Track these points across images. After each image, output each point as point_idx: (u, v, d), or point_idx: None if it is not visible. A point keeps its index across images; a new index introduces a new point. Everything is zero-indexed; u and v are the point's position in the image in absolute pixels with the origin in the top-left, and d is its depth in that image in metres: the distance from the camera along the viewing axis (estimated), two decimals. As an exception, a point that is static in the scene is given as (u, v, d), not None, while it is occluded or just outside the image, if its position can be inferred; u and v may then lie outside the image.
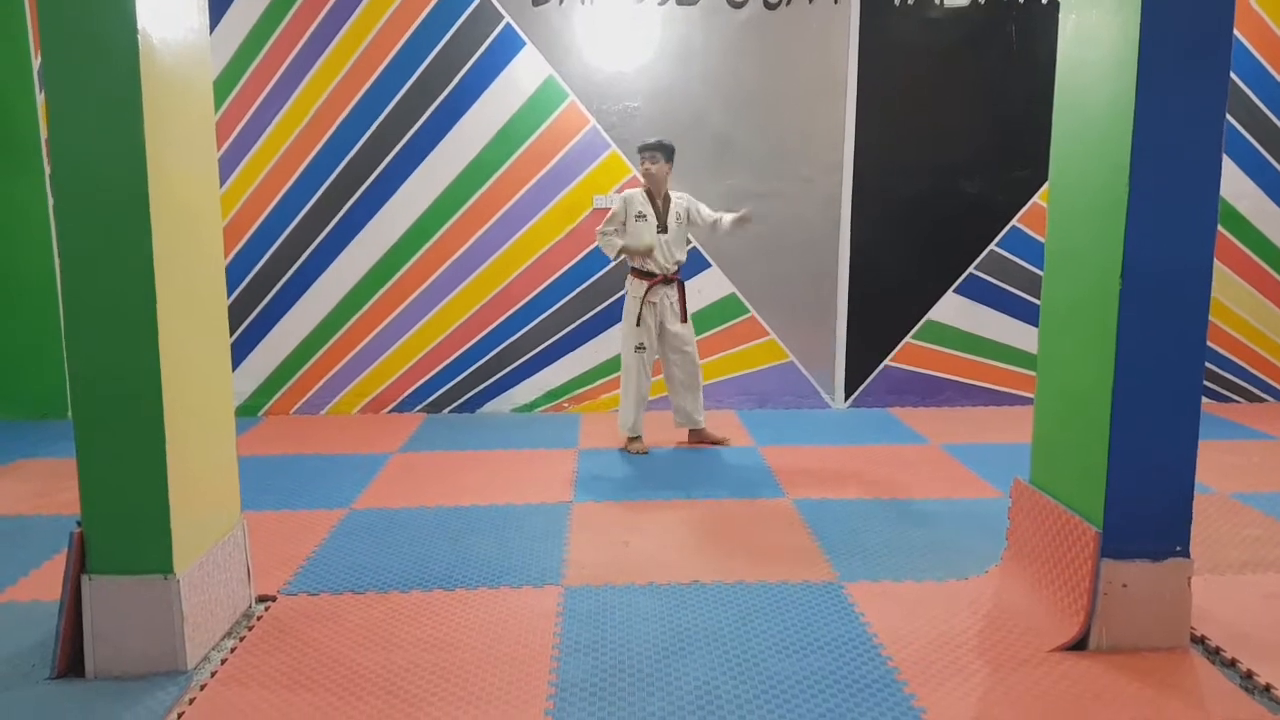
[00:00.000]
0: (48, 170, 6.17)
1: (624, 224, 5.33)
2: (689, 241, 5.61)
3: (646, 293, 5.34)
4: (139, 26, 2.65)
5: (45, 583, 3.55)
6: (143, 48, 2.66)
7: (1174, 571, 2.98)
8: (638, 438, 5.51)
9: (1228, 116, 5.56)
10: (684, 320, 5.44)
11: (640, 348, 5.40)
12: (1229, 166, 6.42)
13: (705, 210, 5.42)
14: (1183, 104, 2.79)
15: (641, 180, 5.45)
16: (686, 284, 5.59)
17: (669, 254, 5.34)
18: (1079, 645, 2.99)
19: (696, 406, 5.56)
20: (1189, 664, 2.92)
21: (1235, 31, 6.10)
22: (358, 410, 6.58)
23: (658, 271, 5.35)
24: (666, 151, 5.31)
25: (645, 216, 5.31)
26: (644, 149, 5.32)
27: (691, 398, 5.54)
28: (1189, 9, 2.75)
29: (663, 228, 5.32)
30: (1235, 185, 6.47)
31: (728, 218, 5.37)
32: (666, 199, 5.35)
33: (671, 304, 5.41)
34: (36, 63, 6.12)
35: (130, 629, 2.86)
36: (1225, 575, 3.60)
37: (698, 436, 5.64)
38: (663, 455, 5.43)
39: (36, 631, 3.14)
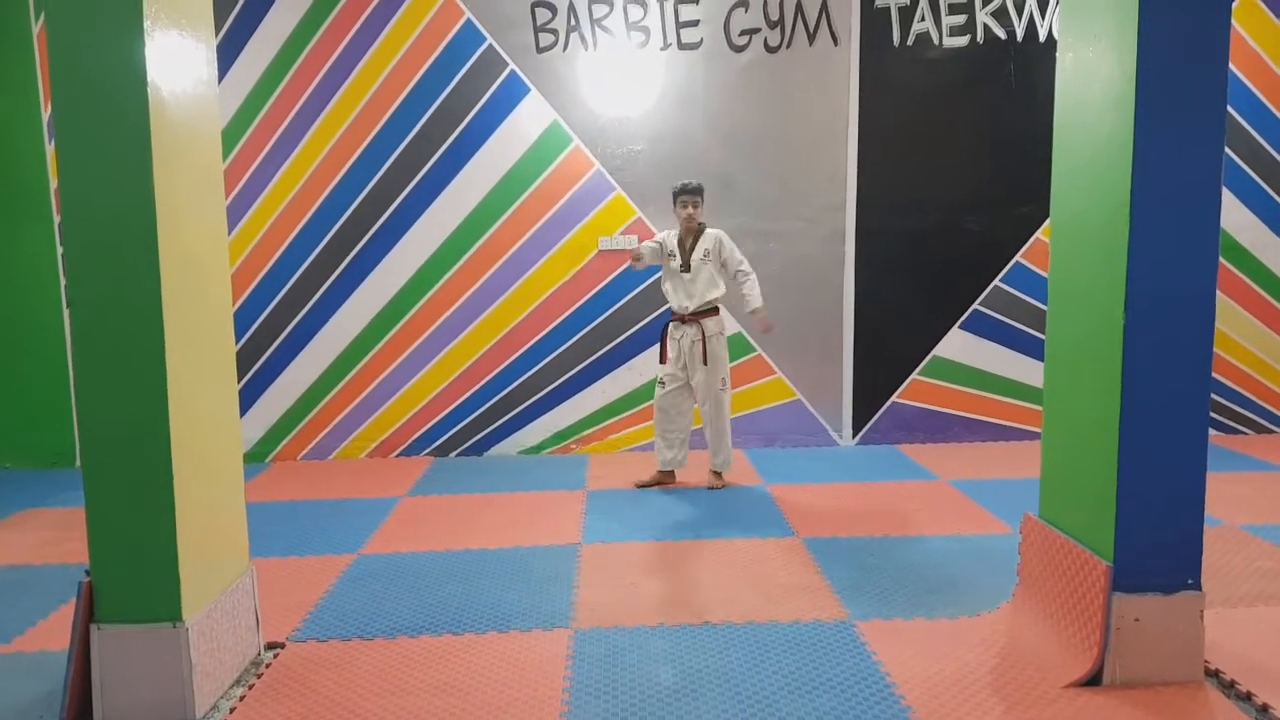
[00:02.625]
0: (57, 219, 6.24)
1: (655, 255, 5.46)
2: (718, 283, 5.41)
3: (668, 329, 5.49)
4: (149, 79, 2.69)
5: (54, 632, 3.55)
6: (152, 100, 2.71)
7: (1186, 604, 2.96)
8: (668, 472, 5.64)
9: (1226, 150, 5.60)
10: (704, 362, 5.37)
11: (661, 382, 5.51)
12: (1229, 199, 6.45)
13: (736, 254, 5.40)
14: (1181, 138, 2.81)
15: (682, 223, 5.42)
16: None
17: (687, 292, 5.38)
18: (1093, 681, 2.97)
19: (714, 450, 5.56)
20: (1204, 698, 2.89)
21: (1231, 66, 6.17)
22: (365, 455, 6.59)
23: (675, 310, 5.45)
24: (702, 194, 5.40)
25: (675, 256, 5.42)
26: (688, 193, 5.35)
27: (713, 444, 5.55)
28: (1185, 44, 2.79)
29: (685, 267, 5.38)
30: (1236, 217, 6.50)
31: (752, 302, 5.36)
32: (696, 237, 5.38)
33: (693, 344, 5.38)
34: (46, 113, 6.20)
35: (139, 678, 2.84)
36: (1238, 608, 3.58)
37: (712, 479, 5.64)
38: (671, 496, 5.42)
39: (45, 681, 3.12)
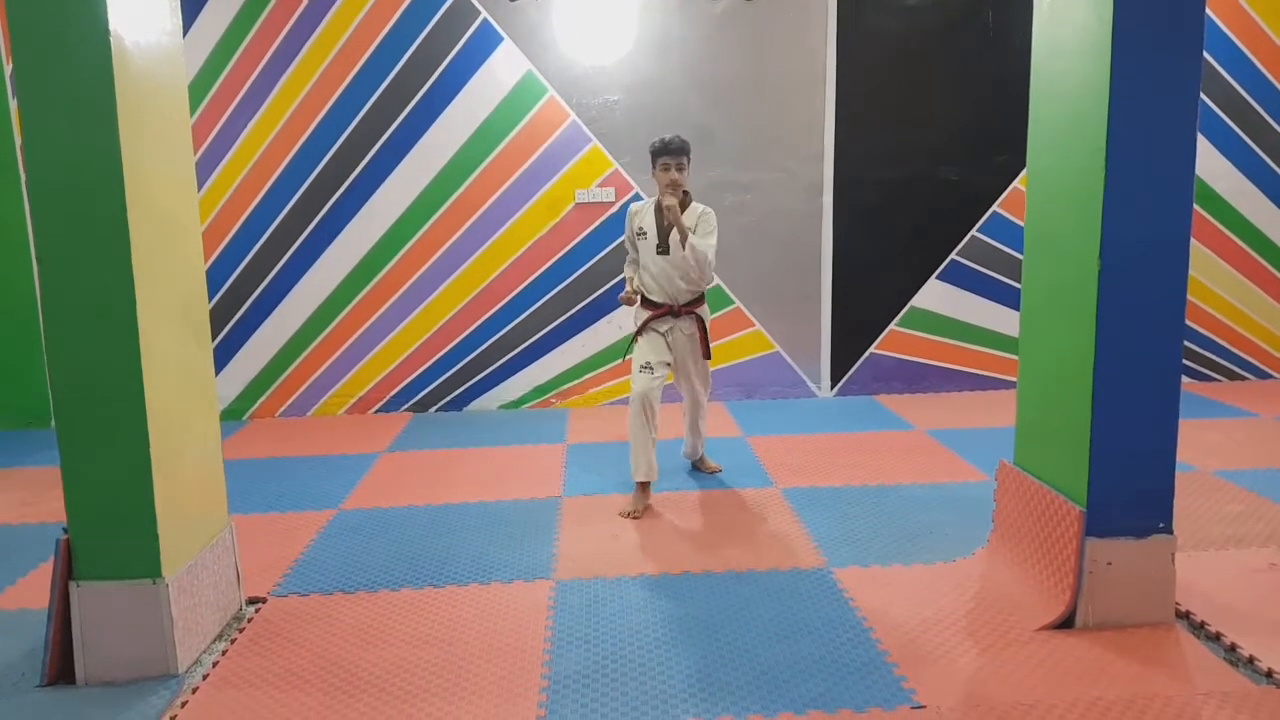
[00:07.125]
0: (24, 176, 6.13)
1: (633, 245, 4.46)
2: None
3: (646, 325, 4.38)
4: (111, 29, 2.63)
5: (33, 591, 3.54)
6: (115, 50, 2.65)
7: (1158, 548, 3.00)
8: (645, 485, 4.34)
9: (1202, 96, 5.60)
10: (705, 356, 4.48)
11: (647, 366, 4.28)
12: (1205, 147, 6.46)
13: (713, 239, 4.24)
14: (1157, 84, 2.80)
15: (663, 188, 4.19)
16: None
17: (669, 281, 4.31)
18: (1066, 624, 3.02)
19: (695, 438, 4.86)
20: (1174, 639, 2.95)
21: (1208, 11, 6.14)
22: (344, 411, 6.57)
23: (662, 301, 4.37)
24: (689, 153, 4.22)
25: (645, 234, 4.34)
26: (670, 153, 4.15)
27: (693, 434, 4.85)
28: (1161, -10, 2.77)
29: (663, 247, 4.30)
30: (1212, 165, 6.51)
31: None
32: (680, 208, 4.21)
33: (689, 338, 4.42)
34: (8, 68, 6.06)
35: (120, 634, 2.85)
36: (1208, 551, 3.64)
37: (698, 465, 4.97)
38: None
39: (26, 640, 3.12)
